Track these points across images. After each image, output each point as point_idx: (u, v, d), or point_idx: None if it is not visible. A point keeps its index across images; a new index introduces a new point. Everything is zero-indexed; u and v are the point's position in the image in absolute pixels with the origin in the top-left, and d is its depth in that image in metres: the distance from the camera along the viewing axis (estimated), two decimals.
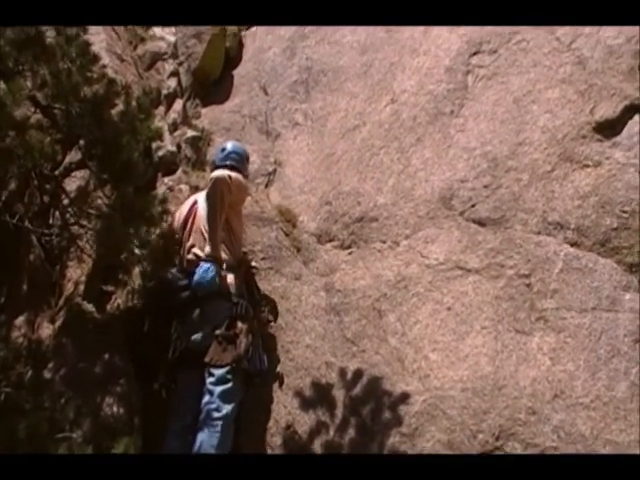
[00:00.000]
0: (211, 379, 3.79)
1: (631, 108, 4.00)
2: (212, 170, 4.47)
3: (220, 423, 3.68)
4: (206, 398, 3.77)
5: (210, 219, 4.06)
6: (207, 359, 3.81)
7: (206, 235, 4.09)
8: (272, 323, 4.19)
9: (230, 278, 4.03)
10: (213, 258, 3.98)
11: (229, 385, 3.78)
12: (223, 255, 4.05)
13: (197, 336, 3.92)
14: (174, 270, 4.12)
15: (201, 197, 4.32)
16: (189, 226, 4.27)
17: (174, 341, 4.00)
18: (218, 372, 3.78)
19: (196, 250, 4.13)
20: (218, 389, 3.75)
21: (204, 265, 3.96)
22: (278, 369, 4.04)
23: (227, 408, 3.73)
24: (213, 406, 3.72)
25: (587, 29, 4.36)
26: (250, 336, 3.89)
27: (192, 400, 3.83)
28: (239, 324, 3.89)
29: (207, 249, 4.02)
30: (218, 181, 4.07)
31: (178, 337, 4.00)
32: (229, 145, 4.59)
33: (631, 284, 3.57)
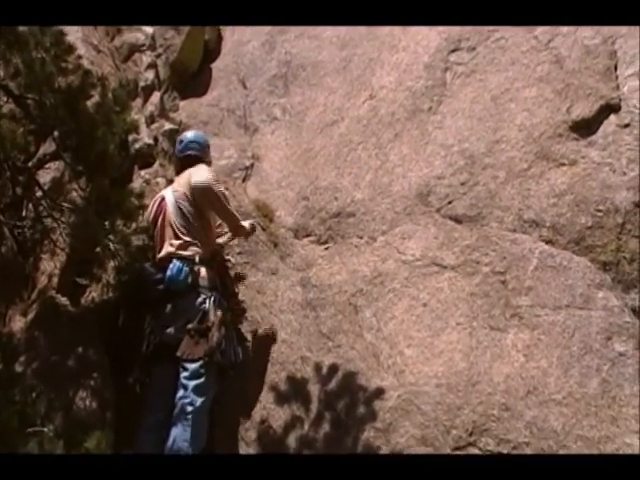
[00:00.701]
0: (185, 373, 3.77)
1: (607, 108, 4.04)
2: (175, 163, 4.43)
3: (193, 417, 3.67)
4: (180, 392, 3.74)
5: (225, 214, 4.09)
6: (179, 353, 3.78)
7: (177, 230, 4.05)
8: (247, 315, 4.18)
9: (203, 271, 3.99)
10: (189, 257, 3.96)
11: (202, 379, 3.75)
12: (196, 248, 4.03)
13: (170, 330, 3.89)
14: (148, 264, 4.10)
15: (168, 192, 4.26)
16: (160, 222, 4.21)
17: (147, 335, 3.97)
18: (191, 366, 3.76)
19: (168, 247, 4.08)
20: (192, 383, 3.73)
21: (177, 263, 3.92)
22: None
23: (200, 401, 3.71)
24: (187, 400, 3.70)
25: (565, 29, 4.40)
26: (223, 329, 3.86)
27: (166, 394, 3.80)
28: (211, 317, 3.86)
29: (198, 251, 4.00)
30: (214, 190, 4.01)
31: (152, 331, 3.96)
32: (189, 134, 4.47)
33: (604, 282, 3.61)
